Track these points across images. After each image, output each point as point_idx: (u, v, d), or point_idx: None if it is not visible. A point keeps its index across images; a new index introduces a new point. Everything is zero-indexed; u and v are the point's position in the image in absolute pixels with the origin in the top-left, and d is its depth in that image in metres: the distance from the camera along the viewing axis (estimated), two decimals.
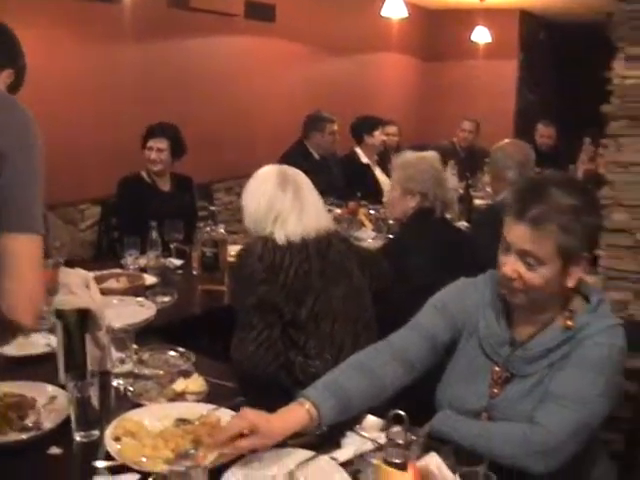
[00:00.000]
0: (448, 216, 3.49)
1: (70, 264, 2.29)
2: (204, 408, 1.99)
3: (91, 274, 3.28)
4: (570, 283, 1.78)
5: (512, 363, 1.86)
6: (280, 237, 2.46)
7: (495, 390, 1.87)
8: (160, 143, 4.51)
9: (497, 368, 1.88)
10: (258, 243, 2.46)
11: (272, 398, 2.17)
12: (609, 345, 1.76)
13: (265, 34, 6.86)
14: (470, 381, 1.92)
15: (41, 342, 2.51)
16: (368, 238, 4.53)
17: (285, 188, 2.51)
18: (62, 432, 1.88)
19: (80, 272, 2.24)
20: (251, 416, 1.69)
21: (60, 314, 2.11)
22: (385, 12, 6.58)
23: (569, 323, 1.81)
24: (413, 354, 1.95)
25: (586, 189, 1.87)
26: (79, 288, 2.13)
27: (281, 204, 2.49)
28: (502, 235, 1.82)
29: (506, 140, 4.23)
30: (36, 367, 2.33)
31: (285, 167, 2.61)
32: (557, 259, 1.74)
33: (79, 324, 2.13)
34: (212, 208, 3.59)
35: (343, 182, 5.94)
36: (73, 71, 4.95)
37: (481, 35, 8.72)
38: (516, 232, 1.77)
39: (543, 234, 1.73)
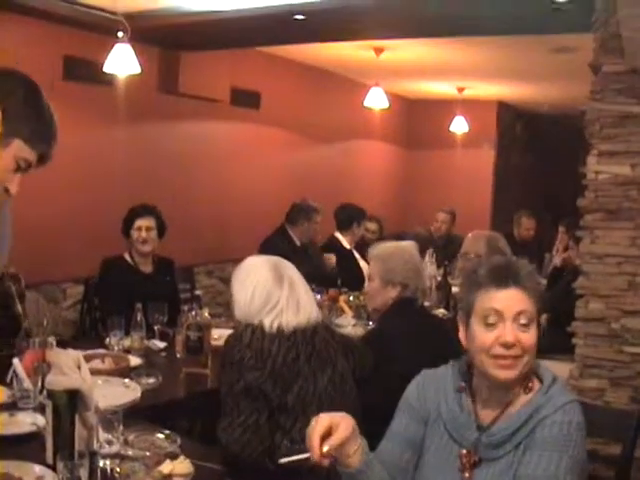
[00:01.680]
0: (427, 304, 3.57)
1: (62, 344, 2.32)
2: None
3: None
4: None
5: (479, 448, 1.91)
6: (271, 326, 2.52)
7: (466, 474, 1.91)
8: (148, 222, 4.54)
9: (464, 451, 1.92)
10: (247, 330, 2.52)
11: None
12: (568, 423, 1.82)
13: (250, 120, 7.04)
14: (441, 468, 1.96)
15: (27, 421, 2.53)
16: (348, 325, 4.57)
17: (281, 284, 2.58)
18: None
19: (71, 352, 2.27)
20: (325, 416, 1.77)
21: (51, 394, 2.14)
22: (368, 102, 6.79)
23: (528, 397, 1.89)
24: (400, 462, 2.00)
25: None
26: (70, 369, 2.17)
27: (277, 299, 2.56)
28: (480, 312, 1.90)
29: (475, 232, 4.39)
30: (22, 446, 2.32)
31: (276, 259, 2.69)
32: (536, 317, 1.87)
33: (69, 404, 2.15)
34: (197, 292, 3.63)
35: (323, 269, 6.02)
36: (61, 151, 5.04)
37: (460, 125, 8.98)
38: (505, 297, 1.86)
39: (528, 292, 1.86)
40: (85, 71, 5.10)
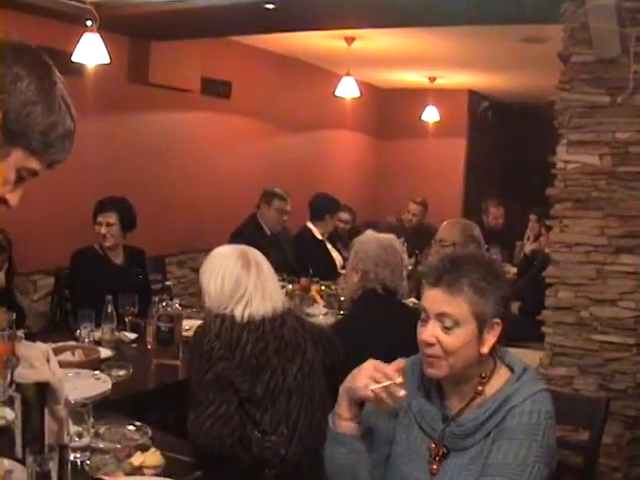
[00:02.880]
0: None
1: (30, 337, 2.29)
2: None
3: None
4: (484, 349, 1.88)
5: (447, 439, 1.92)
6: (241, 315, 2.53)
7: (434, 466, 1.92)
8: (109, 218, 4.52)
9: (433, 444, 1.94)
10: (216, 320, 2.52)
11: (228, 473, 2.21)
12: (537, 412, 1.84)
13: (221, 110, 7.01)
14: (411, 459, 1.98)
15: None
16: (320, 314, 4.58)
17: (249, 269, 2.59)
18: None
19: (40, 345, 2.24)
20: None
21: (19, 387, 2.11)
22: (339, 92, 6.78)
23: (480, 388, 1.91)
24: (381, 455, 2.02)
25: (493, 263, 2.09)
26: (39, 361, 2.14)
27: (245, 284, 2.57)
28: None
29: (450, 220, 4.42)
30: None
31: (243, 247, 2.69)
32: (471, 320, 1.85)
33: (38, 397, 2.12)
34: (167, 283, 3.62)
35: (295, 258, 6.02)
36: None
37: (431, 114, 9.00)
38: (432, 297, 1.89)
39: (457, 295, 1.85)
40: (54, 61, 5.00)
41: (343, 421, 1.94)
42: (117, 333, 3.78)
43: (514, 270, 6.19)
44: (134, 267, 4.66)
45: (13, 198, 1.45)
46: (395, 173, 9.72)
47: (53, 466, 1.85)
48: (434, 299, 1.88)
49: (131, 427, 2.45)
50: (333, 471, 1.99)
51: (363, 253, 3.30)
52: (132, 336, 3.84)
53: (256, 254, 2.67)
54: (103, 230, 4.52)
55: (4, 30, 4.79)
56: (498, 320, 1.89)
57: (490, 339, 1.89)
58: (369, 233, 3.52)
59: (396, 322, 3.05)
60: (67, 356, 3.28)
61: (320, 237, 6.35)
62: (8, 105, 1.34)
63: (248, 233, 5.62)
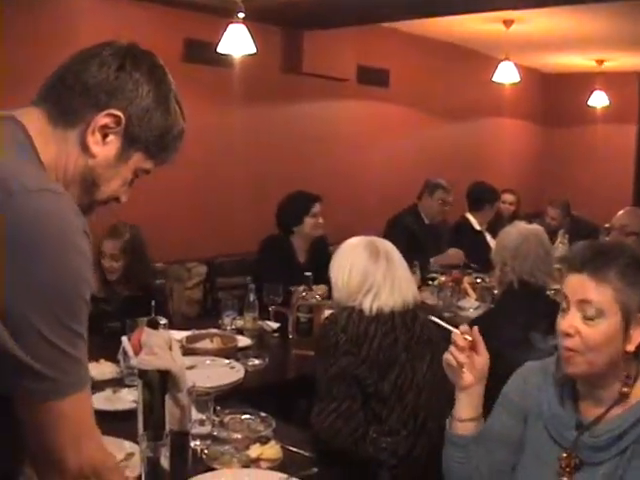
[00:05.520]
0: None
1: (153, 325, 2.31)
2: (275, 477, 1.97)
3: (186, 333, 3.39)
4: (630, 347, 1.67)
5: (580, 449, 1.73)
6: (369, 308, 2.44)
7: (565, 479, 1.75)
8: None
9: (564, 454, 1.76)
10: (343, 313, 2.45)
11: (347, 471, 2.13)
12: None
13: (378, 99, 6.94)
14: (539, 471, 1.81)
15: (128, 398, 2.57)
16: (470, 308, 4.39)
17: (377, 260, 2.50)
18: None
19: (163, 333, 2.27)
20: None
21: (142, 373, 2.14)
22: (497, 78, 6.52)
23: (625, 390, 1.70)
24: (494, 462, 1.88)
25: None
26: (161, 349, 2.16)
27: (373, 276, 2.48)
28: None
29: (629, 207, 4.20)
30: (121, 423, 2.34)
31: (373, 238, 2.60)
32: (616, 311, 1.65)
33: (160, 384, 2.14)
34: (307, 273, 3.58)
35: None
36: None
37: (599, 99, 8.52)
38: (575, 282, 1.70)
39: (602, 281, 1.66)
40: (205, 53, 5.14)
41: (458, 422, 1.83)
42: (260, 322, 3.79)
43: None
44: (314, 263, 4.46)
45: (125, 196, 1.50)
46: (560, 162, 9.28)
47: (164, 453, 1.85)
48: (576, 285, 1.70)
49: (256, 418, 2.42)
50: (447, 474, 1.88)
51: (501, 244, 3.13)
52: (274, 325, 3.83)
53: (386, 244, 2.57)
54: (320, 220, 4.53)
55: (160, 24, 4.96)
56: None
57: (637, 336, 1.67)
58: (516, 224, 3.31)
59: (533, 320, 2.85)
60: (205, 344, 3.33)
61: (478, 227, 6.16)
62: (131, 112, 1.37)
63: (406, 221, 5.57)
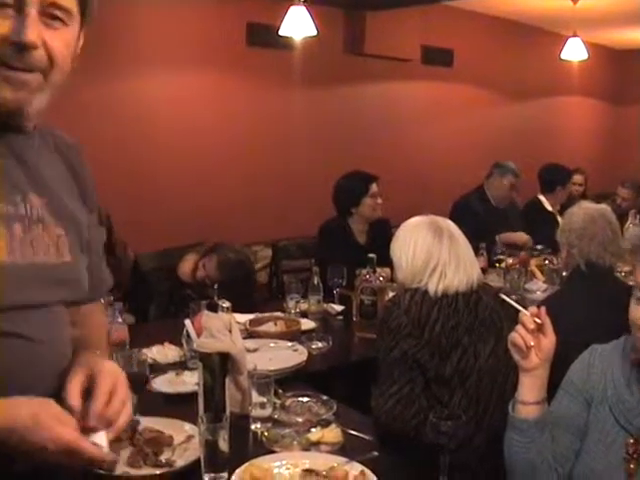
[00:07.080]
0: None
1: (212, 308, 2.32)
2: (335, 460, 1.95)
3: (250, 316, 3.40)
4: None
5: None
6: (434, 289, 2.39)
7: (632, 466, 1.69)
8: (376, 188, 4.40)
9: (632, 440, 1.70)
10: (406, 295, 2.41)
11: (407, 455, 2.11)
12: None
13: (443, 79, 6.84)
14: (604, 456, 1.75)
15: (191, 381, 2.59)
16: (538, 290, 4.29)
17: (441, 238, 2.45)
18: (193, 471, 1.90)
19: (223, 316, 2.28)
20: None
21: (202, 356, 2.15)
22: (565, 55, 6.34)
23: None
24: (559, 447, 1.84)
25: None
26: (220, 332, 2.17)
27: (438, 254, 2.42)
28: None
29: None
30: (183, 405, 2.37)
31: (435, 217, 2.54)
32: None
33: (220, 367, 2.15)
34: (370, 255, 3.54)
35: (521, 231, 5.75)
36: (246, 117, 5.17)
37: None
38: None
39: None
40: (267, 36, 5.15)
41: (521, 405, 1.79)
42: (324, 305, 3.78)
43: None
44: (375, 244, 4.35)
45: None
46: (630, 141, 9.02)
47: (223, 435, 1.86)
48: None
49: (318, 401, 2.42)
50: (509, 460, 1.84)
51: (567, 226, 3.03)
52: (339, 308, 3.82)
53: (448, 223, 2.52)
54: (379, 200, 4.43)
55: (224, 9, 4.95)
56: None
57: None
58: (582, 204, 3.21)
59: (600, 303, 2.76)
60: (269, 327, 3.34)
61: (550, 209, 6.03)
62: None
63: (473, 204, 5.48)
